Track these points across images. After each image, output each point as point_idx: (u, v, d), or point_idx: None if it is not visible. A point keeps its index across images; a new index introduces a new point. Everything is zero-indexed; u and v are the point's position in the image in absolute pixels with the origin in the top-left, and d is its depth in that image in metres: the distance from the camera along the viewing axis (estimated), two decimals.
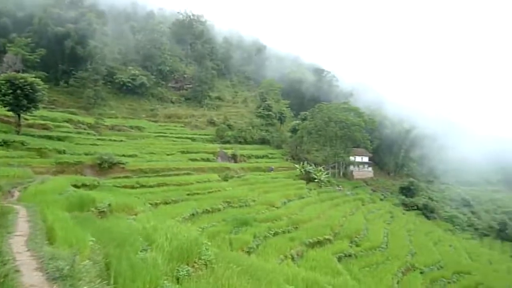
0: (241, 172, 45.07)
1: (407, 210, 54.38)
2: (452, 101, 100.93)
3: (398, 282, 20.57)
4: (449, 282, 23.01)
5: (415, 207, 56.00)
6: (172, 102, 71.00)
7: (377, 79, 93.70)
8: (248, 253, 16.70)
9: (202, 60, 77.93)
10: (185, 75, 77.47)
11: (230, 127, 63.43)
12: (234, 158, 52.35)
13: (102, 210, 12.78)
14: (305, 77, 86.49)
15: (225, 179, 38.85)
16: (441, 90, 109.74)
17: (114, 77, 64.39)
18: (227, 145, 56.52)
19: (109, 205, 13.64)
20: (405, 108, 77.80)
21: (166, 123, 60.79)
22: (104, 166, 32.02)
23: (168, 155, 42.94)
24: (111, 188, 24.50)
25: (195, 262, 7.86)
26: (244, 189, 32.88)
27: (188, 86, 75.71)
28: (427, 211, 55.39)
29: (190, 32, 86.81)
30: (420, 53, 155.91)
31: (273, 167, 52.52)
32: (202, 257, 8.09)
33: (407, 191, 62.34)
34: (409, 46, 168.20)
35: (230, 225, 20.20)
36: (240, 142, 60.16)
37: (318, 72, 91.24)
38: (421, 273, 23.43)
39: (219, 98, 78.51)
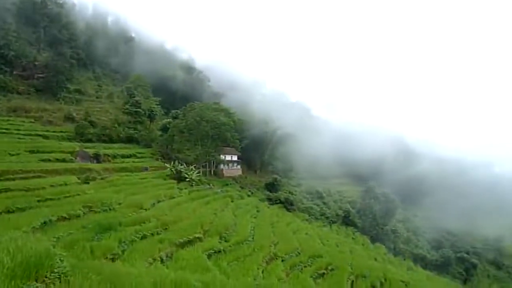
0: (105, 174, 41.52)
1: (271, 204, 58.82)
2: (307, 101, 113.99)
3: (262, 272, 21.98)
4: (305, 266, 25.73)
5: (278, 201, 61.01)
6: (19, 93, 60.70)
7: (248, 80, 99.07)
8: (113, 260, 15.48)
9: (59, 46, 68.73)
10: (37, 63, 66.95)
11: (92, 124, 57.83)
12: (97, 158, 47.90)
13: None
14: (176, 74, 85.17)
15: (86, 181, 35.16)
16: (298, 93, 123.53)
17: None
18: (89, 144, 51.43)
19: None
20: (270, 108, 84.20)
21: (10, 118, 51.64)
22: None
23: (12, 155, 36.54)
24: None
25: (46, 277, 6.85)
26: (108, 192, 30.34)
27: (40, 75, 65.64)
28: (288, 204, 60.92)
29: (43, 13, 75.46)
30: (284, 55, 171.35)
31: (147, 166, 50.29)
32: (55, 270, 7.11)
33: (271, 187, 67.50)
34: (274, 48, 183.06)
35: (91, 232, 18.33)
36: (104, 141, 55.49)
37: (190, 70, 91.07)
38: (282, 260, 25.57)
39: (79, 91, 70.61)
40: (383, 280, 26.70)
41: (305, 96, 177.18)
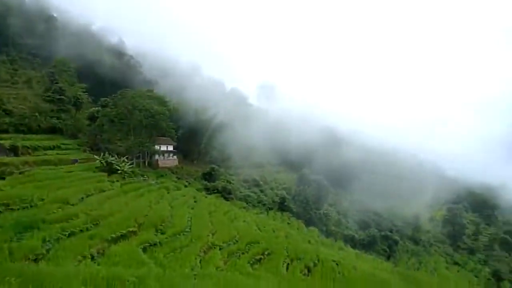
0: (24, 168, 37.88)
1: (209, 194, 58.55)
2: (243, 89, 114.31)
3: (200, 261, 21.87)
4: (243, 253, 26.13)
5: (216, 191, 60.90)
6: None
7: (183, 67, 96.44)
8: (36, 260, 14.25)
9: None
10: None
11: (8, 112, 52.18)
12: (14, 150, 43.48)
13: None
14: (105, 59, 79.78)
15: (1, 176, 31.81)
16: (234, 81, 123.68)
17: None
18: (4, 135, 46.44)
19: None
20: (206, 97, 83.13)
21: None
22: None
23: None
24: None
25: None
26: (29, 187, 27.75)
27: None
28: (225, 193, 61.11)
29: None
30: (219, 42, 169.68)
31: (77, 159, 46.94)
32: None
33: (209, 176, 67.10)
34: (208, 34, 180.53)
35: (9, 232, 16.65)
36: (22, 132, 50.52)
37: (120, 55, 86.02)
38: (220, 249, 25.68)
39: None
40: (316, 261, 28.14)
41: (241, 84, 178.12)
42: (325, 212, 73.00)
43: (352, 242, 67.89)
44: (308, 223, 65.72)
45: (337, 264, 28.00)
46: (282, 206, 69.24)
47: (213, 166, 71.04)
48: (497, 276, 73.99)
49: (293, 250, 29.42)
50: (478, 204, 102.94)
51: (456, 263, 77.66)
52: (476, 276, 72.83)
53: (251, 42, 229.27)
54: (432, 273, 67.72)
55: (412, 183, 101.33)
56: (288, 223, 61.05)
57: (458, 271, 73.57)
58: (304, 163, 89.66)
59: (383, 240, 72.70)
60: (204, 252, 24.26)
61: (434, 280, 56.49)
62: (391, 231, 76.36)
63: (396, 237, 75.00)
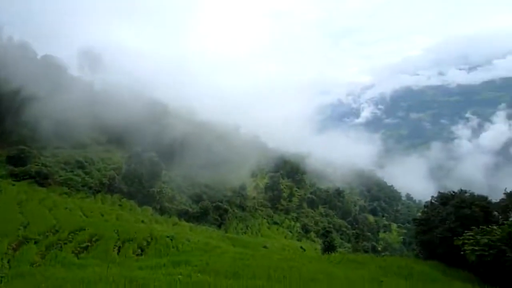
0: None
1: (17, 180, 49.55)
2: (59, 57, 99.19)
3: (9, 261, 18.45)
4: (65, 243, 23.30)
5: (27, 176, 51.96)
6: None
7: None
8: None
9: None
10: None
11: None
12: None
13: None
14: None
15: None
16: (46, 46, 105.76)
17: None
18: None
19: None
20: (10, 64, 68.56)
21: None
22: None
23: None
24: None
25: None
26: None
27: None
28: (40, 179, 52.97)
29: None
30: None
31: None
32: None
33: (17, 160, 56.45)
34: None
35: None
36: None
37: None
38: (35, 243, 22.22)
39: None
40: (149, 240, 27.62)
41: (60, 51, 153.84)
42: (158, 190, 72.12)
43: (186, 216, 69.72)
44: (142, 202, 63.85)
45: (171, 240, 28.19)
46: (111, 188, 64.86)
47: (22, 147, 59.90)
48: (305, 229, 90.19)
49: (125, 232, 28.06)
50: (292, 170, 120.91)
51: (275, 223, 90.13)
52: (290, 232, 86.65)
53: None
54: (256, 234, 76.80)
55: (238, 155, 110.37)
56: (120, 205, 57.89)
57: (277, 229, 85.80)
58: (134, 140, 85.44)
59: (215, 210, 77.45)
60: (14, 249, 20.60)
61: (258, 240, 64.32)
62: (221, 202, 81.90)
63: (226, 206, 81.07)
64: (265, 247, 49.00)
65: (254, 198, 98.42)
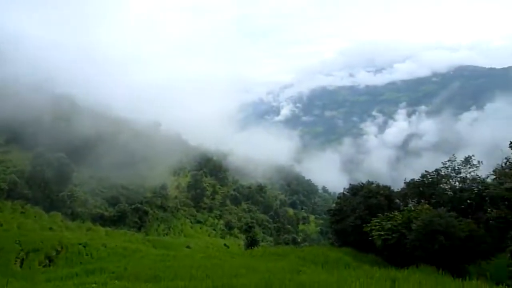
0: None
1: None
2: None
3: None
4: None
5: None
6: None
7: None
8: None
9: None
10: None
11: None
12: None
13: None
14: None
15: None
16: None
17: None
18: None
19: None
20: None
21: None
22: None
23: None
24: None
25: None
26: None
27: None
28: None
29: None
30: None
31: None
32: None
33: None
34: None
35: None
36: None
37: None
38: None
39: None
40: (59, 248, 25.24)
41: None
42: (69, 193, 66.24)
43: (101, 220, 65.35)
44: (49, 208, 58.16)
45: (84, 247, 26.12)
46: (12, 194, 57.81)
47: None
48: (229, 226, 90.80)
49: (29, 242, 25.24)
50: (215, 168, 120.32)
51: (199, 222, 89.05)
52: (214, 230, 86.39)
53: None
54: (179, 234, 75.09)
55: (158, 153, 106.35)
56: (22, 212, 51.87)
57: (200, 228, 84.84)
58: (38, 139, 77.10)
59: (134, 212, 73.80)
60: None
61: (181, 240, 62.96)
62: (140, 203, 78.26)
63: (146, 208, 77.69)
64: (188, 247, 48.18)
65: (176, 197, 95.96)
